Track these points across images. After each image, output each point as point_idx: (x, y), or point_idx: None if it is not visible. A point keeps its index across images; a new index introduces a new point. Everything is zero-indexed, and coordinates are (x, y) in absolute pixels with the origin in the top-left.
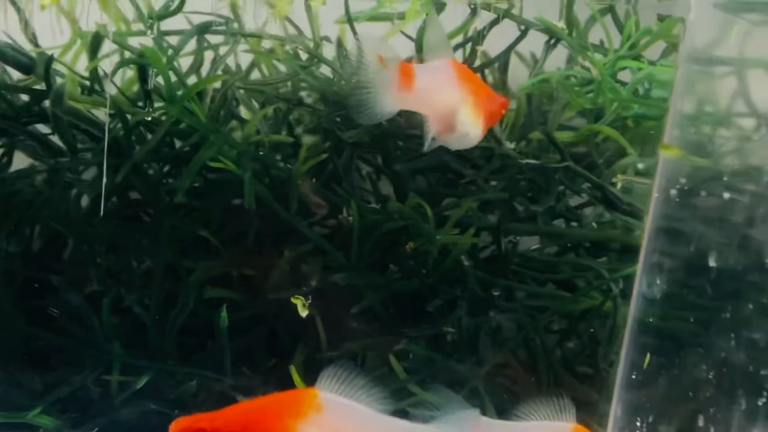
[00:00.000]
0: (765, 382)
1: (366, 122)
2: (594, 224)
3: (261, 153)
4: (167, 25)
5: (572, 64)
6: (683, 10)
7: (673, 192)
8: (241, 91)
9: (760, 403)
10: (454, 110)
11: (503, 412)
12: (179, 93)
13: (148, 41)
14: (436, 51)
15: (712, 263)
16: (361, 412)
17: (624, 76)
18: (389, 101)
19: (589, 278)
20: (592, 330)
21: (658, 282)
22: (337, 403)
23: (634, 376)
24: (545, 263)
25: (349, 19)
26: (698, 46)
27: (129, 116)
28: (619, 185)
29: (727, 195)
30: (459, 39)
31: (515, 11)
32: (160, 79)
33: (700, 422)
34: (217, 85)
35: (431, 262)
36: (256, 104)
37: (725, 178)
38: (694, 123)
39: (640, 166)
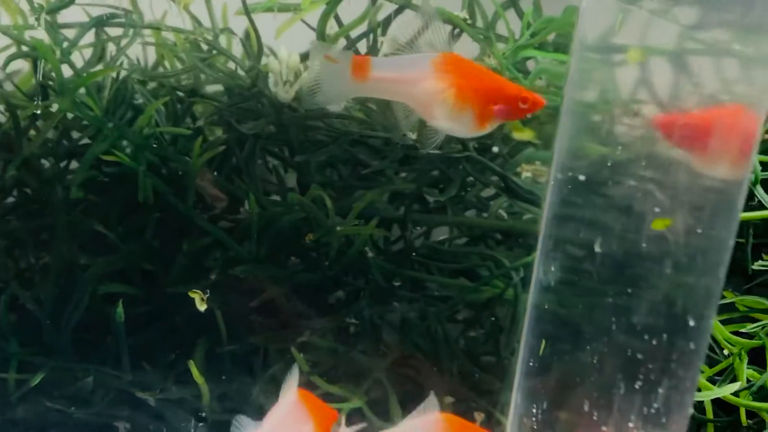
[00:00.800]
0: (642, 366)
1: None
2: (504, 214)
3: (156, 146)
4: (69, 17)
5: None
6: None
7: (567, 179)
8: (149, 85)
9: (637, 386)
10: (422, 100)
11: (407, 402)
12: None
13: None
14: (427, 45)
15: (601, 249)
16: None
17: None
18: (342, 90)
19: (492, 268)
20: (494, 319)
21: (553, 269)
22: None
23: (531, 363)
24: (451, 253)
25: (247, 11)
26: (592, 35)
27: (20, 110)
28: (524, 175)
29: (619, 182)
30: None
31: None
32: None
33: (586, 407)
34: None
35: (333, 253)
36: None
37: (611, 164)
38: (588, 111)
39: (540, 154)
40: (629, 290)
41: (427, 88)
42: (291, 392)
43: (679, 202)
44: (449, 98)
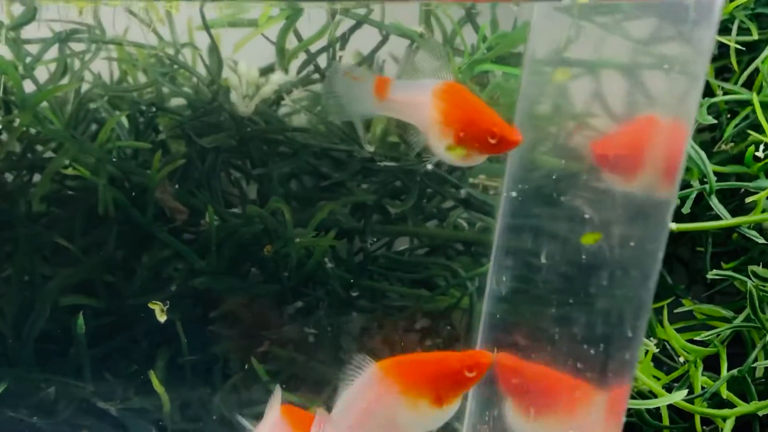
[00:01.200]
0: (582, 375)
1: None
2: (465, 224)
3: (116, 160)
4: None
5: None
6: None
7: (518, 191)
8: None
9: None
10: (424, 125)
11: None
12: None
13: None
14: (429, 72)
15: (546, 261)
16: None
17: None
18: (365, 109)
19: (448, 277)
20: (450, 328)
21: (504, 279)
22: None
23: None
24: (410, 264)
25: (206, 26)
26: (542, 49)
27: None
28: (480, 186)
29: (564, 195)
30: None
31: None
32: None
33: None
34: None
35: (293, 264)
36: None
37: (557, 177)
38: (539, 124)
39: (494, 167)
40: (571, 301)
41: (425, 114)
42: (274, 411)
43: (616, 215)
44: (437, 126)
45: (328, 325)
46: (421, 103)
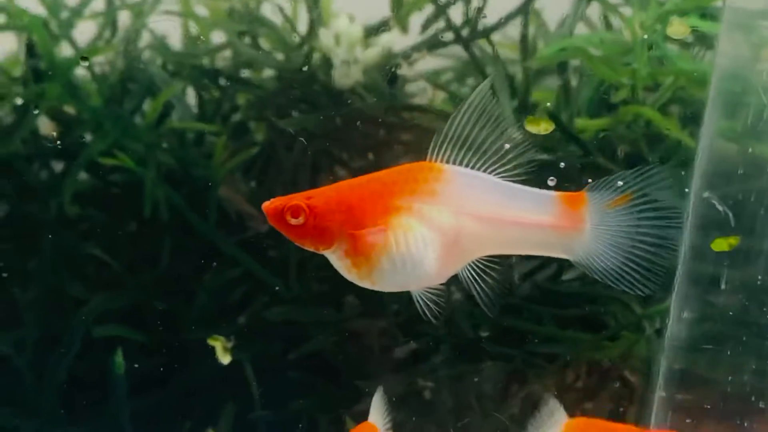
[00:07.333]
0: None
1: None
2: None
3: (167, 146)
4: None
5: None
6: None
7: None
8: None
9: None
10: None
11: None
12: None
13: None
14: None
15: None
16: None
17: None
18: None
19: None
20: (619, 384)
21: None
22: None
23: None
24: (564, 296)
25: None
26: None
27: None
28: None
29: None
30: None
31: None
32: None
33: None
34: None
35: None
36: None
37: None
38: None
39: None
40: None
41: None
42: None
43: None
44: None
45: (448, 376)
46: None
